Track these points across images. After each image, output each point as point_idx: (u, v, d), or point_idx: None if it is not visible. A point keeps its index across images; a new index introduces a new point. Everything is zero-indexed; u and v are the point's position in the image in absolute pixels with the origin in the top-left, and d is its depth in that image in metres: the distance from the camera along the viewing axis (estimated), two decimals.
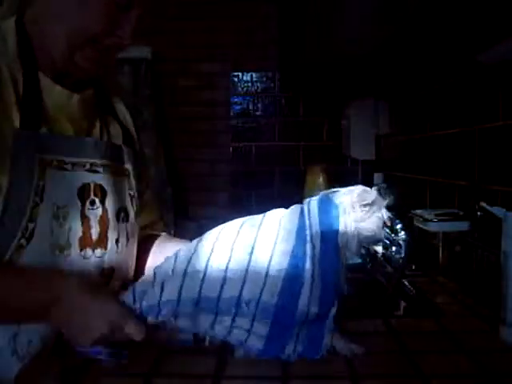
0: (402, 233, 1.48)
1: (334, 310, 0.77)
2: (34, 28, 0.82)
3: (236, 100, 2.52)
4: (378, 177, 1.98)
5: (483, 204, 1.05)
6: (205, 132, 2.53)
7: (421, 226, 1.27)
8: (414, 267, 1.39)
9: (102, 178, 0.86)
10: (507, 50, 1.00)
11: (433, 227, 1.24)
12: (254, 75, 2.50)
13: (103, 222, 0.85)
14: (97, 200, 0.85)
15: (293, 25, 1.67)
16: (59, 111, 0.85)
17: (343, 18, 1.31)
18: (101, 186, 0.86)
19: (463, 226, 1.20)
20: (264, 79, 2.51)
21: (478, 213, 1.14)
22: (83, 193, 0.83)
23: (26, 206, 0.75)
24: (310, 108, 2.50)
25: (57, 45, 0.81)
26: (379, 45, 1.52)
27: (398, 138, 1.98)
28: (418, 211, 1.31)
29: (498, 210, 0.95)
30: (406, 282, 1.29)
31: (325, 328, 0.77)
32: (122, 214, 0.90)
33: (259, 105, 2.52)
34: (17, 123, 0.77)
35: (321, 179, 2.12)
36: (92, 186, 0.84)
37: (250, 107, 2.52)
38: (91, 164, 0.85)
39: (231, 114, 2.52)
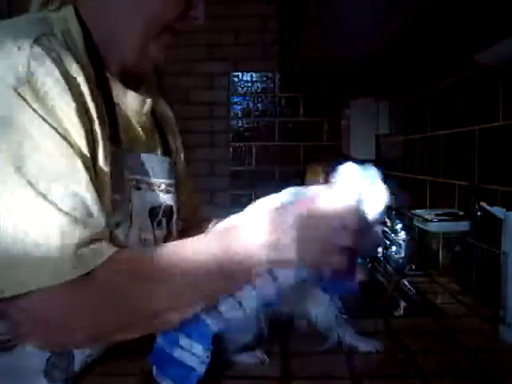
0: (402, 233, 1.48)
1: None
2: (93, 22, 0.74)
3: (236, 100, 2.52)
4: None
5: (483, 204, 1.05)
6: (205, 132, 2.53)
7: (421, 226, 1.27)
8: (413, 267, 1.40)
9: (171, 198, 0.82)
10: (505, 51, 1.00)
11: (433, 227, 1.23)
12: (253, 75, 2.50)
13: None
14: (163, 221, 0.81)
15: (292, 25, 1.67)
16: (133, 121, 0.79)
17: (343, 18, 1.31)
18: (171, 207, 0.82)
19: (463, 226, 1.20)
20: (264, 79, 2.51)
21: (478, 213, 1.14)
22: (152, 213, 0.79)
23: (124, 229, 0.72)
24: (310, 108, 2.50)
25: (129, 38, 0.75)
26: (379, 45, 1.52)
27: (398, 138, 1.98)
28: (418, 211, 1.31)
29: (498, 210, 0.95)
30: (406, 282, 1.29)
31: None
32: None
33: (259, 105, 2.52)
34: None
35: (321, 179, 2.12)
36: (162, 206, 0.80)
37: (250, 107, 2.52)
38: (166, 184, 0.81)
39: (231, 114, 2.52)
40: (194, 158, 2.54)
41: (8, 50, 0.63)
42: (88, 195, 0.63)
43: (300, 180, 2.30)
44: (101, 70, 0.74)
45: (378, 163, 2.17)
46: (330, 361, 0.78)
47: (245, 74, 2.50)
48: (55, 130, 0.62)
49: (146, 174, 0.78)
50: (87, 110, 0.67)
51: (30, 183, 0.59)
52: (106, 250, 0.63)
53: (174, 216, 0.84)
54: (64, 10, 0.74)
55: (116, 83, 0.77)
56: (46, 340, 0.64)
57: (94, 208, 0.64)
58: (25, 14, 0.76)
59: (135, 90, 0.80)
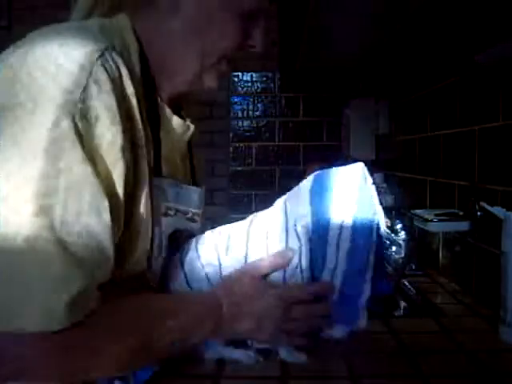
0: (402, 233, 1.48)
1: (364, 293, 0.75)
2: (147, 40, 0.71)
3: (236, 100, 2.52)
4: (378, 177, 1.98)
5: (483, 204, 1.05)
6: (205, 132, 2.53)
7: (421, 226, 1.27)
8: (414, 267, 1.40)
9: (195, 227, 0.82)
10: (505, 52, 1.00)
11: (433, 227, 1.23)
12: (253, 75, 2.50)
13: None
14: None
15: (293, 25, 1.67)
16: (173, 148, 0.78)
17: (343, 18, 1.31)
18: (192, 234, 0.81)
19: (463, 226, 1.20)
20: (264, 79, 2.51)
21: (478, 213, 1.14)
22: (172, 238, 0.77)
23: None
24: (310, 108, 2.50)
25: (184, 67, 0.74)
26: (379, 45, 1.52)
27: (398, 138, 1.98)
28: (418, 211, 1.31)
29: (498, 210, 0.95)
30: (406, 282, 1.29)
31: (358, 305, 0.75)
32: None
33: (259, 105, 2.52)
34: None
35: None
36: (184, 233, 0.80)
37: (250, 107, 2.52)
38: (193, 213, 0.80)
39: (231, 114, 2.52)
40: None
41: (69, 68, 0.57)
42: (105, 240, 0.59)
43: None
44: (153, 92, 0.72)
45: (378, 163, 2.17)
46: (330, 361, 0.78)
47: (245, 73, 2.50)
48: (91, 169, 0.58)
49: (178, 201, 0.76)
50: (134, 137, 0.64)
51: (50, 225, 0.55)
52: (94, 302, 0.60)
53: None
54: (118, 17, 0.71)
55: (163, 107, 0.74)
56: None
57: (107, 255, 0.60)
58: (74, 18, 0.73)
59: (177, 113, 0.78)
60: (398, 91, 1.98)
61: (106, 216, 0.59)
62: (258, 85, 2.51)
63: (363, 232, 0.75)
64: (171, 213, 0.75)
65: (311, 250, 0.74)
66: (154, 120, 0.71)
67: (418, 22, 1.20)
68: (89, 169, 0.57)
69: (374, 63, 1.92)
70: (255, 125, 2.52)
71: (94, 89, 0.58)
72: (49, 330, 0.55)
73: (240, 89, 2.51)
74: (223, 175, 2.54)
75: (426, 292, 1.22)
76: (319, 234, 0.74)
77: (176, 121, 0.76)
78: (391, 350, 0.83)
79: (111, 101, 0.59)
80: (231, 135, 2.52)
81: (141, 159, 0.66)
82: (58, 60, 0.57)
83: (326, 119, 2.49)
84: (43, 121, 0.55)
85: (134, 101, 0.64)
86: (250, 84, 2.51)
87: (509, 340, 0.85)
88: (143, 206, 0.67)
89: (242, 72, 2.49)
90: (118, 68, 0.62)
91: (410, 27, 1.26)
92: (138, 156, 0.66)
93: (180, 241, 0.80)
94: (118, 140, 0.60)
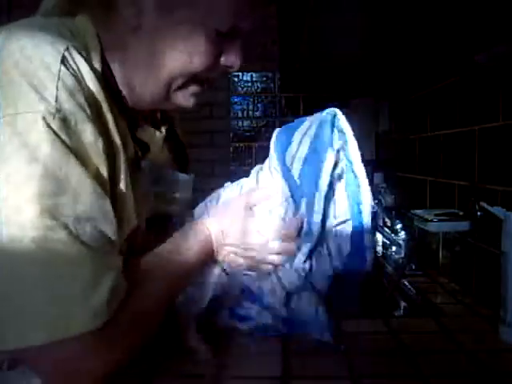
0: (402, 233, 1.48)
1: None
2: (110, 53, 0.69)
3: (236, 100, 2.51)
4: (378, 177, 1.98)
5: (483, 204, 1.05)
6: (205, 132, 2.53)
7: (421, 226, 1.27)
8: (414, 267, 1.40)
9: (174, 210, 0.87)
10: (505, 52, 1.00)
11: (433, 227, 1.23)
12: (253, 75, 2.50)
13: None
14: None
15: (293, 25, 1.67)
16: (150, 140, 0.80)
17: (343, 18, 1.31)
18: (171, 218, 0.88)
19: (463, 226, 1.20)
20: (264, 79, 2.51)
21: (478, 213, 1.14)
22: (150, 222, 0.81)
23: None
24: (310, 108, 2.50)
25: (147, 89, 0.71)
26: (379, 45, 1.52)
27: (398, 138, 1.98)
28: (418, 211, 1.31)
29: (498, 210, 0.95)
30: (406, 282, 1.29)
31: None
32: None
33: (259, 105, 2.52)
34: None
35: None
36: (164, 218, 0.86)
37: (250, 107, 2.52)
38: (173, 197, 0.86)
39: (231, 114, 2.52)
40: (194, 158, 2.53)
41: (35, 69, 0.57)
42: (114, 235, 0.61)
43: None
44: (118, 95, 0.71)
45: (378, 163, 2.17)
46: (330, 361, 0.78)
47: (245, 74, 2.50)
48: (85, 168, 0.58)
49: (159, 185, 0.81)
50: (111, 137, 0.65)
51: (63, 224, 0.56)
52: (122, 290, 0.62)
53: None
54: (78, 19, 0.69)
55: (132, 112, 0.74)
56: None
57: (116, 249, 0.63)
58: (37, 14, 0.71)
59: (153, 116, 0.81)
60: (397, 91, 1.98)
61: (109, 209, 0.61)
62: (258, 85, 2.51)
63: (313, 165, 0.83)
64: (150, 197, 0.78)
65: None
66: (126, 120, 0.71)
67: (418, 22, 1.20)
68: (82, 168, 0.58)
69: (374, 63, 1.91)
70: (255, 125, 2.52)
71: (64, 93, 0.58)
72: (97, 327, 0.56)
73: (240, 89, 2.51)
74: (223, 175, 2.54)
75: (426, 292, 1.22)
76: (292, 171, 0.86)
77: (146, 129, 0.78)
78: (391, 350, 0.83)
79: (82, 101, 0.60)
80: (231, 135, 2.52)
81: (117, 153, 0.66)
82: (20, 65, 0.57)
83: None
84: (24, 124, 0.56)
85: (104, 104, 0.63)
86: (249, 84, 2.51)
87: (509, 340, 0.85)
88: (126, 197, 0.68)
89: (242, 72, 2.49)
90: (79, 69, 0.61)
91: (411, 27, 1.26)
92: (114, 150, 0.65)
93: (158, 225, 0.82)
94: (97, 137, 0.61)
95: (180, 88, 0.72)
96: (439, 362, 0.78)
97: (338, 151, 0.83)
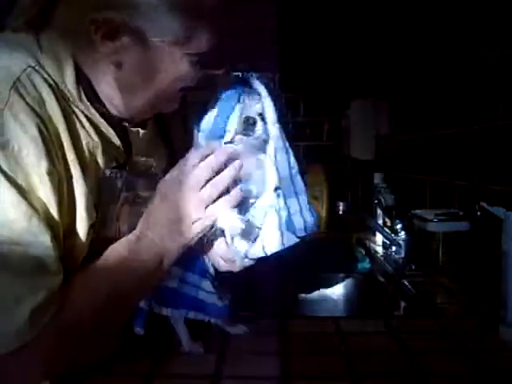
0: (402, 233, 1.48)
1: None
2: (89, 73, 0.72)
3: None
4: (378, 177, 1.98)
5: (483, 204, 1.05)
6: None
7: (421, 226, 1.27)
8: (413, 267, 1.39)
9: None
10: (505, 52, 1.00)
11: (433, 227, 1.23)
12: (253, 75, 2.50)
13: None
14: None
15: (293, 25, 1.67)
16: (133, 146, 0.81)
17: (343, 18, 1.31)
18: None
19: (463, 226, 1.20)
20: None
21: (478, 213, 1.14)
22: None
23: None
24: (310, 108, 2.50)
25: (131, 105, 0.75)
26: (379, 44, 1.52)
27: (398, 138, 1.98)
28: (418, 211, 1.31)
29: (498, 210, 0.95)
30: (406, 282, 1.29)
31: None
32: None
33: None
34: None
35: (321, 179, 2.11)
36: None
37: None
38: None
39: None
40: None
41: None
42: (46, 256, 0.63)
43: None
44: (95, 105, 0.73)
45: (378, 163, 2.17)
46: (330, 361, 0.78)
47: (245, 74, 2.49)
48: (16, 188, 0.61)
49: (146, 189, 0.80)
50: (65, 160, 0.67)
51: None
52: (54, 307, 0.64)
53: None
54: (49, 35, 0.70)
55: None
56: None
57: (52, 267, 0.64)
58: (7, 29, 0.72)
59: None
60: (398, 91, 1.98)
61: (41, 231, 0.62)
62: None
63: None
64: (140, 201, 0.78)
65: None
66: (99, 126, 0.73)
67: (418, 22, 1.20)
68: (10, 192, 0.60)
69: (374, 63, 1.92)
70: None
71: (10, 118, 0.61)
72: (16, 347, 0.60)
73: None
74: None
75: (426, 292, 1.22)
76: None
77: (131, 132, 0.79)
78: (391, 350, 0.83)
79: (31, 130, 0.62)
80: None
81: (73, 177, 0.68)
82: None
83: (326, 119, 2.49)
84: None
85: (60, 125, 0.66)
86: None
87: (509, 340, 0.85)
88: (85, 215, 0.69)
89: (242, 72, 2.49)
90: (37, 90, 0.65)
91: (411, 27, 1.26)
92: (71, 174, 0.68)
93: None
94: (43, 162, 0.63)
95: (161, 102, 0.77)
96: (439, 362, 0.78)
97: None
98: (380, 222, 1.70)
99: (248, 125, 0.78)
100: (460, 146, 1.31)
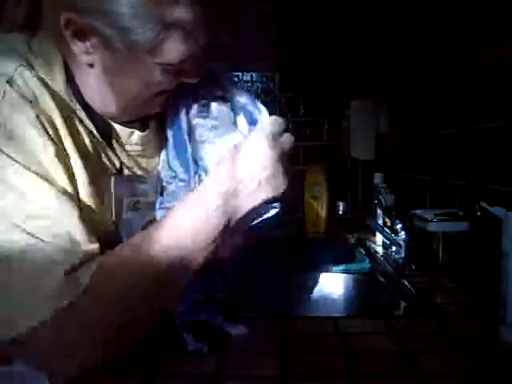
0: (402, 233, 1.48)
1: None
2: (75, 72, 0.75)
3: None
4: (378, 177, 1.98)
5: (483, 204, 1.05)
6: None
7: (421, 226, 1.27)
8: (414, 267, 1.39)
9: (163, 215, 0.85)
10: (505, 52, 1.00)
11: (433, 227, 1.23)
12: (253, 75, 2.50)
13: None
14: None
15: (293, 24, 1.67)
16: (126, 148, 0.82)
17: (343, 17, 1.31)
18: None
19: (463, 226, 1.20)
20: (264, 79, 2.51)
21: (478, 213, 1.14)
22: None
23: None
24: (310, 108, 2.50)
25: (111, 108, 0.77)
26: (379, 44, 1.52)
27: (398, 138, 1.98)
28: (418, 211, 1.31)
29: (497, 210, 0.95)
30: (406, 282, 1.29)
31: None
32: None
33: None
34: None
35: (321, 179, 2.11)
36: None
37: None
38: (161, 202, 0.83)
39: None
40: None
41: None
42: (73, 229, 0.65)
43: (300, 180, 2.29)
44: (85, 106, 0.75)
45: (378, 163, 2.17)
46: (330, 361, 0.78)
47: (245, 74, 2.50)
48: (35, 172, 0.64)
49: (145, 195, 0.81)
50: (66, 151, 0.70)
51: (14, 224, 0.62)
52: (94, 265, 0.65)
53: None
54: (42, 35, 0.74)
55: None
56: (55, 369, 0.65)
57: (82, 239, 0.66)
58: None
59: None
60: (398, 91, 1.98)
61: (69, 206, 0.66)
62: (258, 85, 2.51)
63: None
64: (140, 206, 0.79)
65: None
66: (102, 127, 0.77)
67: (418, 22, 1.20)
68: (28, 172, 0.64)
69: (374, 63, 1.91)
70: None
71: (9, 110, 0.64)
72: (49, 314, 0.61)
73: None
74: None
75: (426, 292, 1.22)
76: None
77: (119, 128, 0.80)
78: (391, 350, 0.83)
79: (32, 117, 0.65)
80: None
81: (73, 165, 0.71)
82: None
83: (326, 119, 2.49)
84: None
85: (57, 119, 0.69)
86: (250, 84, 2.51)
87: (509, 340, 0.85)
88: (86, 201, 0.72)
89: (242, 72, 2.49)
90: (31, 88, 0.68)
91: (411, 27, 1.26)
92: (71, 163, 0.70)
93: None
94: (46, 146, 0.66)
95: (143, 103, 0.77)
96: (439, 362, 0.78)
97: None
98: (380, 221, 1.70)
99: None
100: (460, 145, 1.30)
